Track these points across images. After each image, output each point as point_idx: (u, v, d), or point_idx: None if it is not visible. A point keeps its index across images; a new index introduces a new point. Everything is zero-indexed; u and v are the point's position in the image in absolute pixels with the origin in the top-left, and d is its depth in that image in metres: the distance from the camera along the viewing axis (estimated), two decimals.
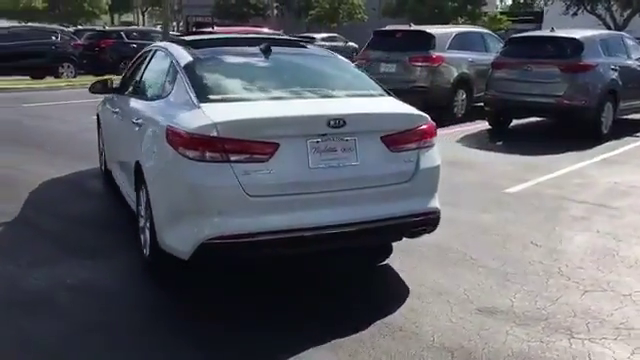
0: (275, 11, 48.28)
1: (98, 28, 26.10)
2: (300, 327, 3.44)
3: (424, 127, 3.94)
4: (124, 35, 21.38)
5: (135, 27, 26.27)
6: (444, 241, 4.69)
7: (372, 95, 4.28)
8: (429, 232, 4.09)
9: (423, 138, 3.92)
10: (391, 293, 3.95)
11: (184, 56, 4.25)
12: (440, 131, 4.28)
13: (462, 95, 11.80)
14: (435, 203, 4.01)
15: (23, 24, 28.06)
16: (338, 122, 3.56)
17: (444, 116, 10.49)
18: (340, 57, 4.86)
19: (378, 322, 3.48)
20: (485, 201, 6.12)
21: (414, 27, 12.58)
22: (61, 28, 22.11)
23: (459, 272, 4.23)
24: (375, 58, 11.89)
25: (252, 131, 3.48)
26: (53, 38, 19.44)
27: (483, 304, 3.73)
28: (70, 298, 3.78)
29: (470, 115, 11.70)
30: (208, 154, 3.37)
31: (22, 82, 17.53)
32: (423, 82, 11.28)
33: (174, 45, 4.64)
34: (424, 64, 11.36)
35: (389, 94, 4.30)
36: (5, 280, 4.03)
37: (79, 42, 20.48)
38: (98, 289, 3.91)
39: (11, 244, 4.76)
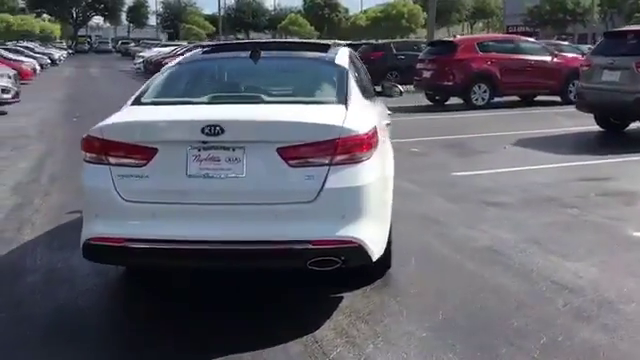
0: (596, 15, 44.25)
1: (372, 41, 27.51)
2: None
3: (337, 140, 3.34)
4: (393, 47, 22.16)
5: (405, 40, 26.82)
6: None
7: (314, 102, 3.86)
8: (349, 265, 3.45)
9: (336, 153, 3.34)
10: None
11: (170, 65, 4.50)
12: None
13: None
14: (352, 231, 3.34)
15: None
16: (214, 129, 3.28)
17: None
18: (330, 63, 4.36)
19: None
20: None
21: None
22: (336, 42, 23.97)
23: None
24: (597, 64, 10.22)
25: (131, 135, 3.45)
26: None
27: None
28: None
29: None
30: (93, 156, 3.48)
31: None
32: None
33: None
34: None
35: (347, 102, 3.76)
36: None
37: None
38: None
39: None
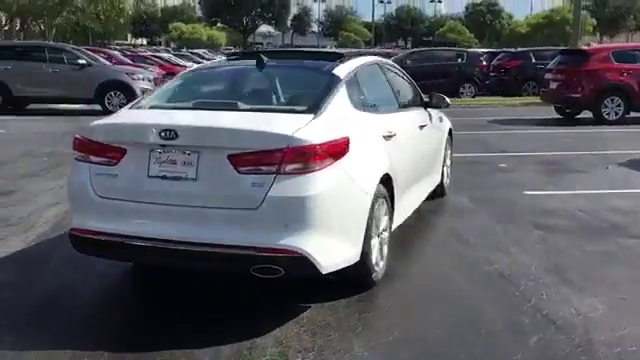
0: None
1: (511, 49, 26.15)
2: None
3: (285, 150, 3.39)
4: (532, 56, 21.02)
5: (546, 48, 25.07)
6: None
7: (286, 111, 3.88)
8: (295, 275, 3.54)
9: (283, 162, 3.38)
10: None
11: (184, 71, 4.81)
12: None
13: None
14: (295, 241, 3.37)
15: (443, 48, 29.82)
16: (169, 133, 3.49)
17: None
18: (326, 73, 4.26)
19: None
20: None
21: None
22: (469, 50, 23.21)
23: None
24: None
25: (106, 135, 3.73)
26: (459, 60, 20.73)
27: None
28: None
29: None
30: (78, 154, 3.81)
31: None
32: None
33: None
34: None
35: (320, 112, 3.76)
36: None
37: (484, 63, 21.17)
38: None
39: None
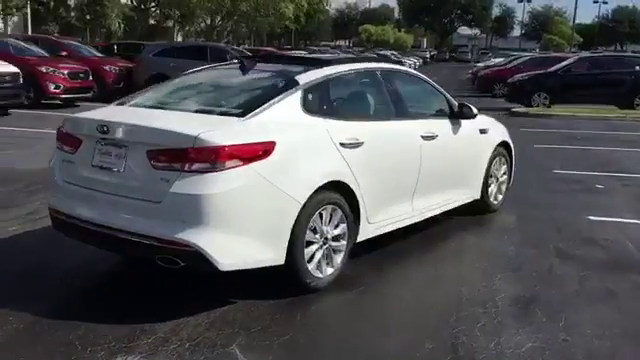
0: None
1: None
2: None
3: (189, 149, 3.58)
4: None
5: None
6: None
7: (218, 113, 4.06)
8: (195, 268, 3.71)
9: (186, 161, 3.59)
10: None
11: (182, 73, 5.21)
12: None
13: None
14: (190, 237, 3.56)
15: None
16: (103, 128, 3.90)
17: None
18: (287, 79, 4.34)
19: None
20: None
21: None
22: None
23: None
24: None
25: (71, 127, 4.20)
26: (637, 68, 18.60)
27: None
28: None
29: None
30: (57, 143, 4.30)
31: (611, 111, 17.58)
32: None
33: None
34: None
35: (251, 116, 3.91)
36: None
37: None
38: None
39: None
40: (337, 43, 79.41)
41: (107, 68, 17.54)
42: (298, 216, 3.94)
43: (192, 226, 3.61)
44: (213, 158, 3.61)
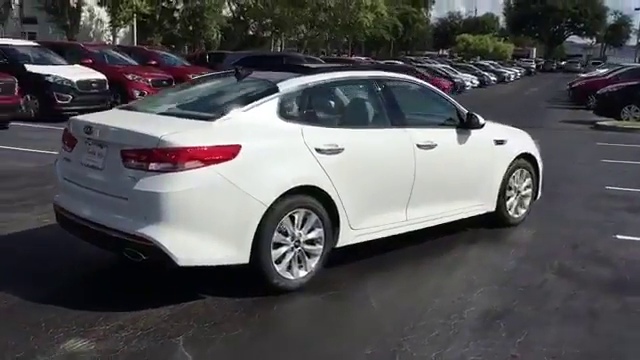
0: None
1: None
2: None
3: (153, 149, 3.82)
4: None
5: None
6: None
7: (196, 117, 4.25)
8: (157, 263, 3.92)
9: (150, 160, 3.83)
10: None
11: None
12: None
13: None
14: (150, 232, 3.79)
15: None
16: (88, 129, 4.25)
17: None
18: (268, 86, 4.48)
19: None
20: None
21: None
22: None
23: None
24: None
25: (72, 128, 4.51)
26: None
27: None
28: None
29: None
30: (62, 142, 4.64)
31: None
32: None
33: None
34: None
35: (222, 120, 4.10)
36: None
37: None
38: None
39: None
40: (441, 52, 78.35)
41: (191, 76, 18.48)
42: (263, 218, 4.06)
43: (152, 222, 3.84)
44: (174, 158, 3.83)
